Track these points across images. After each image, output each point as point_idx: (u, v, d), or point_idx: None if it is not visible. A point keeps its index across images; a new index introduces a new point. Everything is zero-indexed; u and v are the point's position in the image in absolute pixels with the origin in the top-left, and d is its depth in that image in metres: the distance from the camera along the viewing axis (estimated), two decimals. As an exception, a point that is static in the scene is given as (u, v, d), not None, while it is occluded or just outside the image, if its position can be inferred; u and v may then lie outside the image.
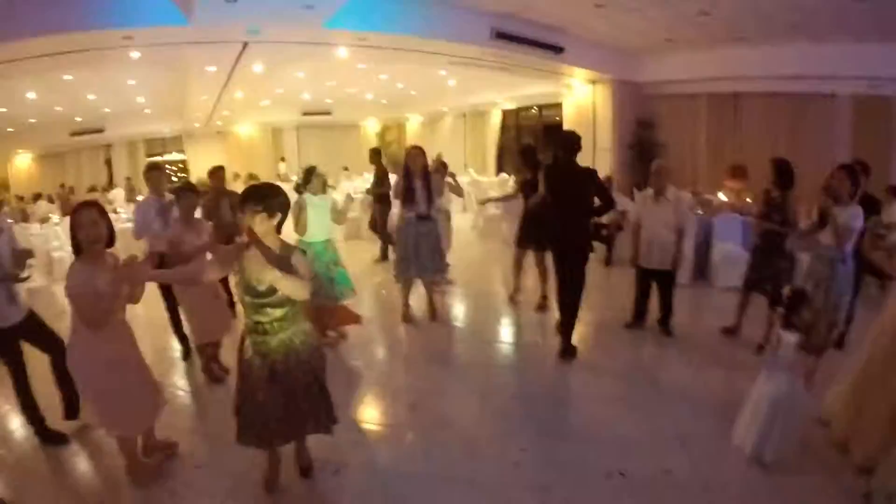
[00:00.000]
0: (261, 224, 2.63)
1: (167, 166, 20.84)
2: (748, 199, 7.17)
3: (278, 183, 6.56)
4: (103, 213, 3.01)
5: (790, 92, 9.75)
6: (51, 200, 15.88)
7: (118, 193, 15.90)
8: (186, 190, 4.79)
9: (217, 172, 6.66)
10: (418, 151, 5.83)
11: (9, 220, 5.74)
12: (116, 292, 2.88)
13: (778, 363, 3.09)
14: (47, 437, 3.73)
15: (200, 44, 7.78)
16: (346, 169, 18.99)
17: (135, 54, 8.09)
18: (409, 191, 5.69)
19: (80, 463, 3.58)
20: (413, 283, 6.08)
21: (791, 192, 4.78)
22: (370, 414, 4.14)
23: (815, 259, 4.30)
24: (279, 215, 2.70)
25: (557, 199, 4.83)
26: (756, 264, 5.02)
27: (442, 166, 8.11)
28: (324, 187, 5.51)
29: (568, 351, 4.95)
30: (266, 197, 2.65)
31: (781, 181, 4.77)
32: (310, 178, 5.30)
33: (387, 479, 3.23)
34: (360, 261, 8.68)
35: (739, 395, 3.42)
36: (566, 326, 4.96)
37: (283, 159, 21.05)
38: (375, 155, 8.94)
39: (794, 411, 3.03)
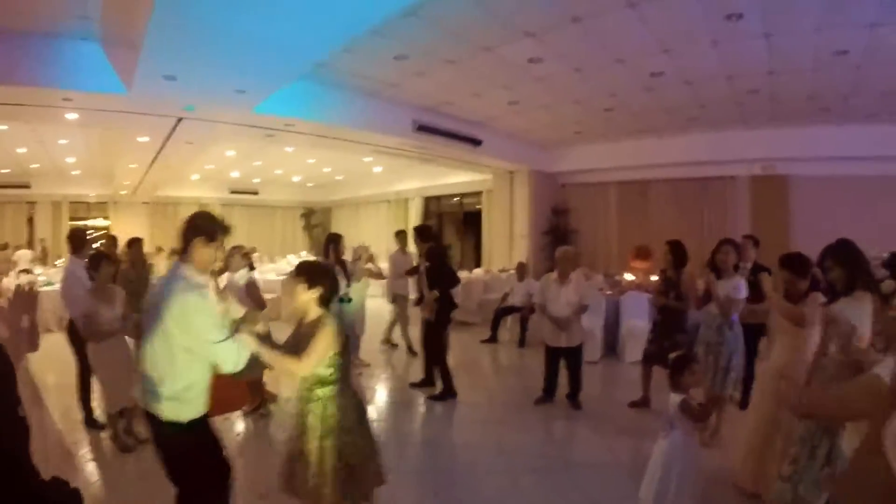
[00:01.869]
0: (302, 294, 2.92)
1: (90, 231, 20.21)
2: (653, 278, 7.75)
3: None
4: None
5: (693, 177, 10.77)
6: None
7: (23, 254, 14.96)
8: (104, 258, 4.82)
9: (136, 243, 7.00)
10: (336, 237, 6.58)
11: None
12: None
13: (670, 422, 3.37)
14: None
15: (136, 114, 7.87)
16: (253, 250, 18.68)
17: (71, 115, 8.05)
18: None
19: None
20: None
21: (684, 270, 5.30)
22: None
23: (705, 326, 4.79)
24: (320, 289, 2.94)
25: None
26: (655, 338, 5.43)
27: (364, 252, 8.13)
28: (243, 265, 5.75)
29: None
30: (312, 272, 2.98)
31: (675, 260, 5.28)
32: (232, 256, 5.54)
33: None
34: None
35: (647, 459, 3.65)
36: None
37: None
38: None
39: (688, 466, 3.27)
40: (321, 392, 2.86)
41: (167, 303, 2.56)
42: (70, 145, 13.19)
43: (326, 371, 2.85)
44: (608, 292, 8.15)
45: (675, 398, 3.29)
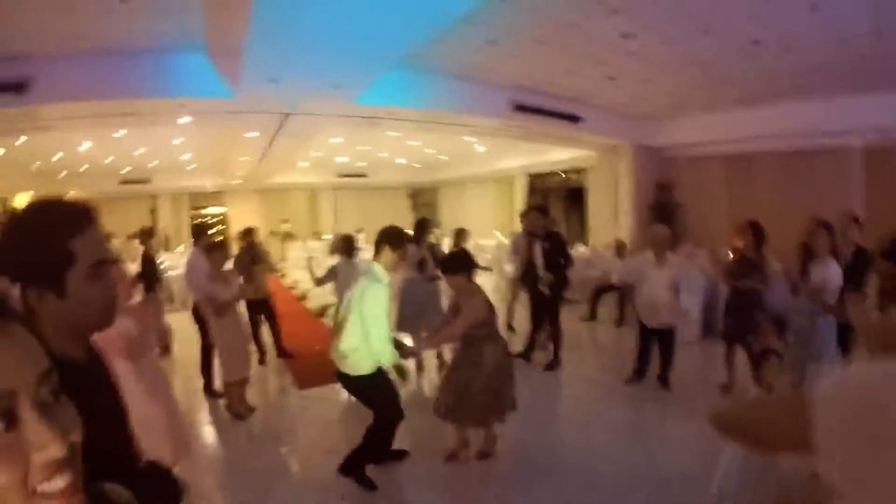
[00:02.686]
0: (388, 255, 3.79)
1: (209, 218, 22.16)
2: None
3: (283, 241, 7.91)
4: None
5: (801, 149, 9.91)
6: None
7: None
8: (215, 247, 5.44)
9: (247, 231, 7.77)
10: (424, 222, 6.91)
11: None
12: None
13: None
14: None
15: (244, 113, 8.59)
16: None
17: (185, 119, 8.95)
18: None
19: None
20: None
21: (764, 249, 5.12)
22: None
23: (796, 313, 4.58)
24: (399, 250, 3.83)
25: None
26: (733, 318, 5.32)
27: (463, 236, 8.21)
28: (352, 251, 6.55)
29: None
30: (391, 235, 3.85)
31: (757, 241, 5.10)
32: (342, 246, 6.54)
33: None
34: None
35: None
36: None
37: (286, 221, 21.42)
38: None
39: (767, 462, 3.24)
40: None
41: (358, 288, 3.70)
42: (185, 144, 14.48)
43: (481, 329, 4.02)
44: (710, 271, 7.90)
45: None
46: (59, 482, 0.58)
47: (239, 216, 20.64)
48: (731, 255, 5.53)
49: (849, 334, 4.86)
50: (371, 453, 3.93)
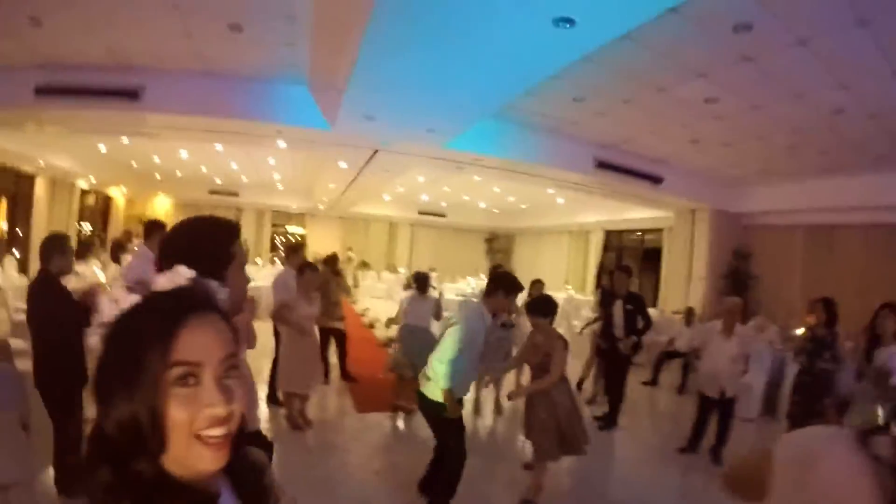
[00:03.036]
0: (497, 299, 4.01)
1: (290, 236, 23.18)
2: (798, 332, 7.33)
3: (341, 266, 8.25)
4: None
5: (887, 222, 9.49)
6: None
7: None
8: (307, 268, 5.86)
9: (332, 258, 8.29)
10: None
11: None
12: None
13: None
14: None
15: (337, 145, 9.24)
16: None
17: (281, 143, 9.73)
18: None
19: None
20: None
21: (837, 329, 5.05)
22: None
23: (861, 397, 4.49)
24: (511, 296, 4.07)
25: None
26: (801, 400, 5.22)
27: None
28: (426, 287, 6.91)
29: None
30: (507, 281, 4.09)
31: (828, 319, 5.04)
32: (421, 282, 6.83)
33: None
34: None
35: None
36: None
37: (350, 249, 21.53)
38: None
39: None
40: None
41: (461, 319, 3.89)
42: (277, 164, 15.45)
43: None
44: (778, 346, 7.73)
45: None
46: (216, 432, 0.79)
47: (317, 239, 21.54)
48: (803, 333, 5.45)
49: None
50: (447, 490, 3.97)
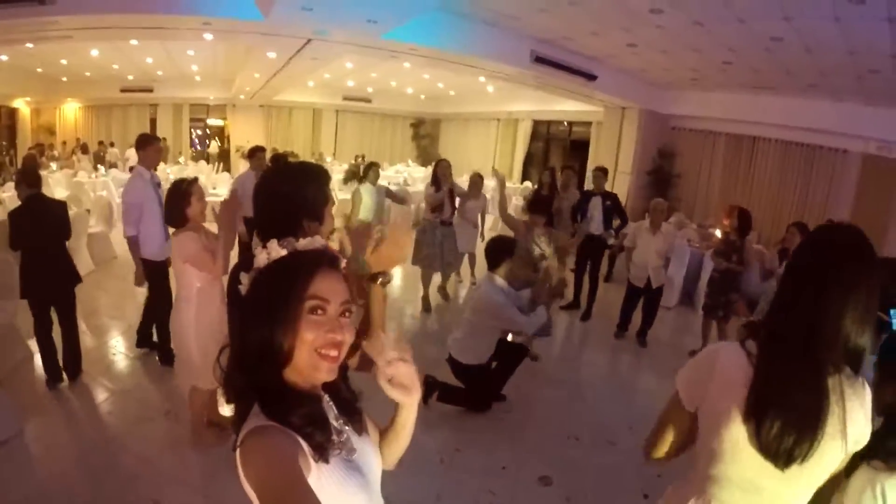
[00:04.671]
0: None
1: (208, 129, 22.15)
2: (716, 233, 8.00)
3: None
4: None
5: (803, 142, 10.32)
6: (84, 151, 17.16)
7: (131, 152, 15.34)
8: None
9: (257, 153, 7.06)
10: (447, 164, 6.89)
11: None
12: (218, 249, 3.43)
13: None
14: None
15: (269, 35, 8.69)
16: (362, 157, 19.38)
17: (208, 36, 9.05)
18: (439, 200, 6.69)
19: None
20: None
21: (748, 237, 5.63)
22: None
23: (765, 300, 5.13)
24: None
25: None
26: (711, 293, 5.83)
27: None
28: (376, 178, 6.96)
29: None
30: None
31: (741, 227, 5.56)
32: (368, 172, 6.78)
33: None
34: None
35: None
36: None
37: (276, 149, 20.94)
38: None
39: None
40: None
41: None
42: (196, 56, 14.47)
43: None
44: (696, 245, 8.36)
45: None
46: (332, 352, 1.07)
47: (239, 130, 20.59)
48: (721, 236, 5.97)
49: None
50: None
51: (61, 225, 4.29)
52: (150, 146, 4.73)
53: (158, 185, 4.69)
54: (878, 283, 1.26)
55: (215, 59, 14.90)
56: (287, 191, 1.82)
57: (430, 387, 4.24)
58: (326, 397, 1.15)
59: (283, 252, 1.10)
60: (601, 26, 8.06)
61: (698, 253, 8.06)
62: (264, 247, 1.10)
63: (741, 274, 5.67)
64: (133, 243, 4.46)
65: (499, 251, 4.19)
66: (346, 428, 1.16)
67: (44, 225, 4.16)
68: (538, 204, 6.15)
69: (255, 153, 6.93)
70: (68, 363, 4.36)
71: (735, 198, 10.67)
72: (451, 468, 3.66)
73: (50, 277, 4.21)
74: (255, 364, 1.05)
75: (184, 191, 3.54)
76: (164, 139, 19.14)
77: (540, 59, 9.61)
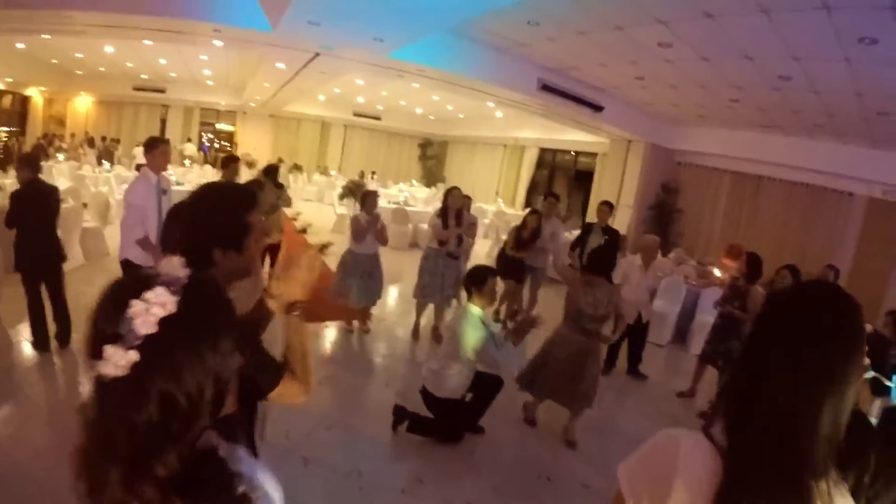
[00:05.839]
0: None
1: (218, 134, 22.28)
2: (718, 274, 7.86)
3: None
4: None
5: (809, 183, 10.19)
6: (90, 145, 17.30)
7: (139, 150, 15.19)
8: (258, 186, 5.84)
9: (230, 163, 6.88)
10: (459, 193, 6.47)
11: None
12: None
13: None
14: None
15: (277, 47, 8.71)
16: (373, 174, 19.53)
17: (218, 43, 9.08)
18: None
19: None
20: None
21: (756, 284, 5.41)
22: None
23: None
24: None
25: None
26: (712, 339, 5.61)
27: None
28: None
29: None
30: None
31: (749, 272, 5.38)
32: (365, 200, 6.18)
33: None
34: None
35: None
36: None
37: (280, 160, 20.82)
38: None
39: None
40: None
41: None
42: (209, 61, 14.59)
43: None
44: (692, 282, 8.22)
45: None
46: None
47: (247, 137, 20.74)
48: (728, 279, 5.76)
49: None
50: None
51: (53, 207, 4.76)
52: (156, 149, 4.63)
53: (165, 191, 4.56)
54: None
55: (228, 66, 15.05)
56: (195, 216, 1.53)
57: (400, 415, 4.11)
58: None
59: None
60: (609, 57, 8.03)
61: (695, 291, 7.92)
62: None
63: (744, 322, 5.41)
64: (146, 243, 4.28)
65: (476, 280, 4.05)
66: None
67: (38, 207, 4.58)
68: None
69: (228, 163, 6.72)
70: (60, 332, 4.74)
71: (737, 237, 10.59)
72: (411, 498, 3.49)
73: (40, 254, 4.62)
74: None
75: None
76: (170, 140, 19.28)
77: (546, 88, 9.58)
